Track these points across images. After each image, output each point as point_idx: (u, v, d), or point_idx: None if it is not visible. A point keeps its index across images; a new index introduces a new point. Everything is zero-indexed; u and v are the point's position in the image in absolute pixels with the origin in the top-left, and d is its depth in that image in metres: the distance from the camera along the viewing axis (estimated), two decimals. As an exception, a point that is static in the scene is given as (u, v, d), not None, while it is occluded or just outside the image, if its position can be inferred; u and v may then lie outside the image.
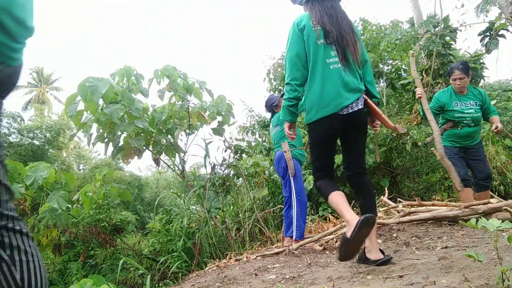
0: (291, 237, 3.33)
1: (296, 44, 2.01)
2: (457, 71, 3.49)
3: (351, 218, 1.82)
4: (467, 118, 3.51)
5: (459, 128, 3.56)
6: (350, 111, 1.96)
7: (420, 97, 3.71)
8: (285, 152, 3.35)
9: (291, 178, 3.33)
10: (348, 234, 1.80)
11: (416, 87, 3.75)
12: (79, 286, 2.85)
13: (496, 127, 3.41)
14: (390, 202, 3.86)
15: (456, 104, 3.57)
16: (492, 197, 3.46)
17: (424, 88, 5.98)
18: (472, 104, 3.52)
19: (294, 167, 3.29)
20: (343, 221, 3.61)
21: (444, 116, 3.67)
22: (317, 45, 1.99)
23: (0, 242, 0.83)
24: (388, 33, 6.29)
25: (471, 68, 5.99)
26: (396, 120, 5.65)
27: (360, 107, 1.99)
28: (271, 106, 3.70)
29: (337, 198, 1.95)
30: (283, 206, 3.63)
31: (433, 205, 3.12)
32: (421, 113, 3.78)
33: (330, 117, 1.96)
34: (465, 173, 3.55)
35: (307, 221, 4.74)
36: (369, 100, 2.06)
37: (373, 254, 1.98)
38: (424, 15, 9.88)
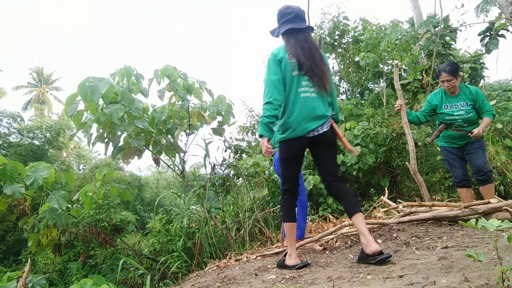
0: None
1: (277, 71, 2.25)
2: (444, 73, 3.41)
3: (292, 253, 2.34)
4: (458, 120, 3.46)
5: (452, 130, 3.54)
6: (316, 134, 2.24)
7: (398, 109, 3.75)
8: None
9: None
10: (287, 262, 2.32)
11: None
12: (79, 286, 2.85)
13: (472, 132, 3.34)
14: (390, 202, 3.86)
15: (446, 106, 3.52)
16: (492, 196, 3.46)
17: (424, 88, 6.01)
18: (462, 105, 3.44)
19: None
20: (343, 221, 3.62)
21: (438, 118, 3.65)
22: (292, 76, 2.25)
23: None
24: (388, 33, 6.29)
25: (471, 68, 6.01)
26: (396, 120, 5.65)
27: (326, 129, 2.26)
28: None
29: (291, 230, 2.37)
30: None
31: (433, 205, 3.12)
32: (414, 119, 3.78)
33: (298, 138, 2.25)
34: (463, 174, 3.53)
35: (307, 221, 4.74)
36: (334, 124, 2.35)
37: (370, 247, 2.04)
38: (424, 15, 9.88)
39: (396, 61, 4.07)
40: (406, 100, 3.78)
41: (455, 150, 3.57)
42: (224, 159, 5.72)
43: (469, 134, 3.36)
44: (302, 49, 2.24)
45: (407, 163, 3.85)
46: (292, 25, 2.28)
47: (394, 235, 2.69)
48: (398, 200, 4.04)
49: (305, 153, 3.28)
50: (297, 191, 2.45)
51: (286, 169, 2.40)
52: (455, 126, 3.50)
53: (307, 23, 2.36)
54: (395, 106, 3.76)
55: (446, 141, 3.62)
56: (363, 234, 2.09)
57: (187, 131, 5.58)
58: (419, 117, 3.73)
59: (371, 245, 2.03)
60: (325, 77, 2.27)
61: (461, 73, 3.60)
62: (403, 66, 6.88)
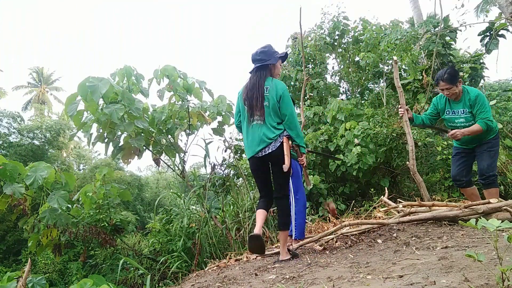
0: (291, 236, 3.33)
1: (237, 107, 2.95)
2: (442, 81, 3.32)
3: (256, 230, 2.64)
4: (459, 127, 3.37)
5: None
6: (264, 154, 2.73)
7: (401, 115, 3.70)
8: None
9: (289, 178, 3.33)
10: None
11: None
12: (79, 286, 2.85)
13: (448, 131, 3.29)
14: (390, 202, 3.86)
15: (448, 112, 3.46)
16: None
17: (424, 88, 6.01)
18: (463, 112, 3.34)
19: (291, 166, 3.29)
20: (343, 221, 3.62)
21: (444, 122, 3.62)
22: (244, 108, 2.82)
23: None
24: (388, 33, 6.29)
25: (471, 68, 6.01)
26: (396, 120, 5.65)
27: (271, 150, 2.71)
28: None
29: (258, 215, 2.76)
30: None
31: (433, 205, 3.12)
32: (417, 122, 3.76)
33: (251, 158, 2.82)
34: (456, 174, 3.49)
35: (307, 221, 4.74)
36: (285, 144, 2.73)
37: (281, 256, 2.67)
38: (424, 15, 9.88)
39: (395, 57, 4.04)
40: (408, 107, 3.75)
41: (461, 149, 3.52)
42: (224, 159, 5.72)
43: (447, 134, 3.32)
44: (245, 87, 2.83)
45: (407, 163, 3.85)
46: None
47: (394, 235, 2.69)
48: (398, 200, 4.03)
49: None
50: (269, 195, 2.89)
51: (256, 181, 2.98)
52: None
53: (266, 57, 2.82)
54: (399, 111, 3.72)
55: (457, 143, 3.58)
56: (282, 245, 2.73)
57: (187, 131, 5.58)
58: (424, 121, 3.68)
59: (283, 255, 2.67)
60: (261, 108, 2.73)
61: (461, 80, 3.47)
62: (403, 66, 6.89)
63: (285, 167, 2.70)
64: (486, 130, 3.22)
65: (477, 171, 3.39)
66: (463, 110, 3.34)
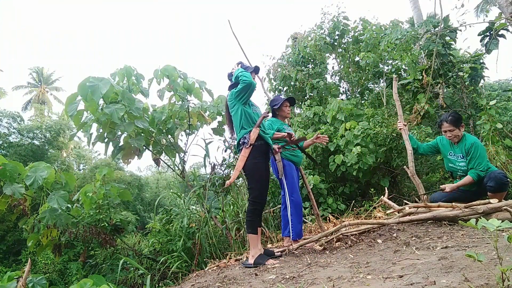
0: (289, 236, 3.33)
1: None
2: (446, 123, 3.40)
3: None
4: (460, 171, 3.43)
5: (457, 179, 3.51)
6: None
7: (400, 129, 3.78)
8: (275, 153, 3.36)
9: (283, 179, 3.33)
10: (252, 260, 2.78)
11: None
12: (79, 286, 2.85)
13: (443, 189, 3.33)
14: (390, 202, 3.85)
15: (450, 153, 3.52)
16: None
17: (424, 88, 6.01)
18: (462, 157, 3.41)
19: (283, 168, 3.30)
20: (343, 221, 3.62)
21: (444, 162, 3.66)
22: None
23: None
24: (388, 33, 6.28)
25: (471, 68, 6.01)
26: (396, 120, 5.64)
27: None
28: (273, 108, 3.68)
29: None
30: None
31: (439, 206, 3.11)
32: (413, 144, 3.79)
33: None
34: (437, 200, 3.53)
35: (306, 221, 4.74)
36: (241, 154, 3.09)
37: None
38: (424, 15, 9.88)
39: (395, 75, 4.21)
40: (406, 123, 3.82)
41: (463, 191, 3.50)
42: (224, 159, 5.71)
43: (441, 190, 3.38)
44: None
45: (405, 167, 3.88)
46: None
47: (394, 235, 2.69)
48: (404, 201, 4.02)
49: (303, 155, 3.49)
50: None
51: None
52: (459, 174, 3.48)
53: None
54: (398, 127, 3.79)
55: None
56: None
57: (187, 131, 5.58)
58: (419, 146, 3.76)
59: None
60: (229, 121, 3.18)
61: (463, 124, 3.48)
62: (403, 66, 6.89)
63: (227, 182, 2.96)
64: (477, 180, 3.27)
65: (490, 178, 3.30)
66: (461, 155, 3.43)
